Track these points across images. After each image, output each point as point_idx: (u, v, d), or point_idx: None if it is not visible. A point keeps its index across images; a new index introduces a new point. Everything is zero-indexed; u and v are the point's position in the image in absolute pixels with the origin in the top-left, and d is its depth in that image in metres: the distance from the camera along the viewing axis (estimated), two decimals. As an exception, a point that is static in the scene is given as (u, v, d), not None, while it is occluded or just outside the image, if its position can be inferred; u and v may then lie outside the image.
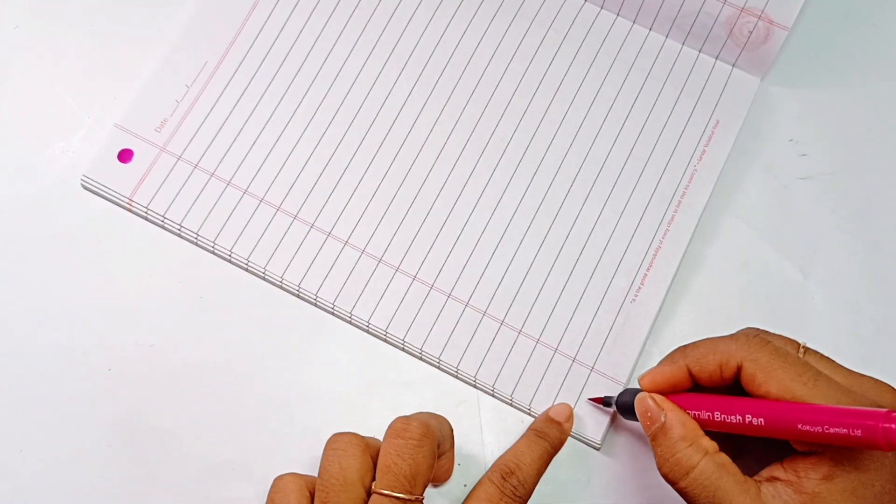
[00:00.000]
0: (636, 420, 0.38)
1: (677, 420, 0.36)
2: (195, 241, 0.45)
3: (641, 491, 0.42)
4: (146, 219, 0.45)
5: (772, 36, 0.47)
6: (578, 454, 0.43)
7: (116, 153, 0.46)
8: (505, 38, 0.48)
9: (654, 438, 0.37)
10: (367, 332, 0.44)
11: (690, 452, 0.35)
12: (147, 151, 0.46)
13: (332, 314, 0.44)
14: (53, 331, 0.44)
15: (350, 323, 0.44)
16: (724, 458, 0.35)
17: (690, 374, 0.37)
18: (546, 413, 0.42)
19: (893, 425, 0.31)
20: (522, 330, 0.44)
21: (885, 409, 0.32)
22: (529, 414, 0.43)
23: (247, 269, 0.45)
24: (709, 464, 0.35)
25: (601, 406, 0.42)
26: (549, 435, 0.41)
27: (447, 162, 0.46)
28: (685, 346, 0.38)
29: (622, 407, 0.40)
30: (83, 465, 0.42)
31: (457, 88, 0.47)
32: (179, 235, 0.45)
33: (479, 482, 0.39)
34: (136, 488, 0.42)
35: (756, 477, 0.35)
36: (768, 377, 0.35)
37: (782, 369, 0.35)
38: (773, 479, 0.35)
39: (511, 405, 0.43)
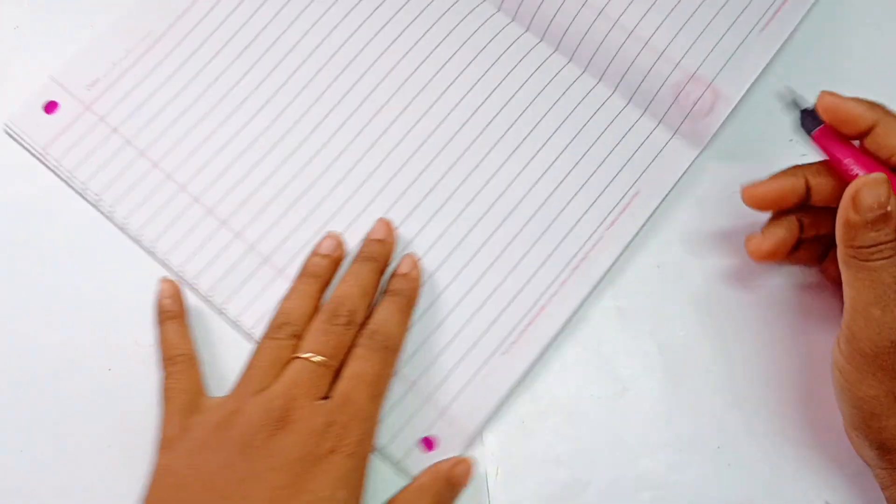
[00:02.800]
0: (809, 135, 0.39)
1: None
2: (96, 203, 0.45)
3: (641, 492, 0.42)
4: (55, 174, 0.46)
5: (716, 108, 0.44)
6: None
7: (43, 104, 0.46)
8: (462, 75, 0.47)
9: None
10: None
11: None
12: (72, 107, 0.46)
13: None
14: (53, 331, 0.44)
15: None
16: None
17: None
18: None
19: None
20: None
21: None
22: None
23: (136, 241, 0.45)
24: None
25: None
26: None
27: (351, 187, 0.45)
28: None
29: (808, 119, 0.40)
30: (83, 465, 0.42)
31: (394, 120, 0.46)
32: (83, 196, 0.45)
33: None
34: (136, 488, 0.41)
35: None
36: None
37: None
38: None
39: None
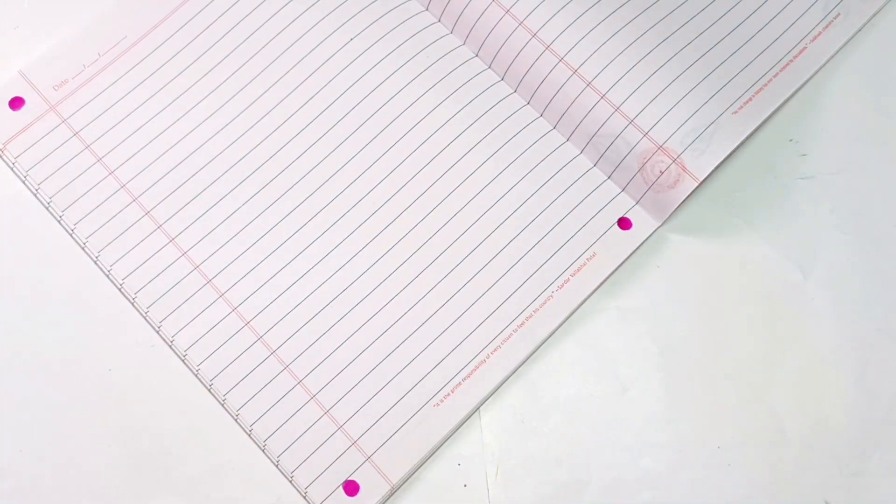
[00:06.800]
0: None
1: None
2: (48, 206, 0.45)
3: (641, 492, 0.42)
4: (12, 170, 0.45)
5: (681, 183, 0.44)
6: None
7: (9, 99, 0.46)
8: (435, 114, 0.47)
9: None
10: None
11: None
12: (37, 105, 0.46)
13: None
14: (53, 331, 0.43)
15: None
16: None
17: None
18: None
19: None
20: (317, 397, 0.42)
21: None
22: (291, 483, 0.41)
23: (83, 248, 0.44)
24: None
25: None
26: None
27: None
28: None
29: None
30: (83, 465, 0.42)
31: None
32: (35, 195, 0.45)
33: None
34: (136, 488, 0.41)
35: None
36: None
37: None
38: None
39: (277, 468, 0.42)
